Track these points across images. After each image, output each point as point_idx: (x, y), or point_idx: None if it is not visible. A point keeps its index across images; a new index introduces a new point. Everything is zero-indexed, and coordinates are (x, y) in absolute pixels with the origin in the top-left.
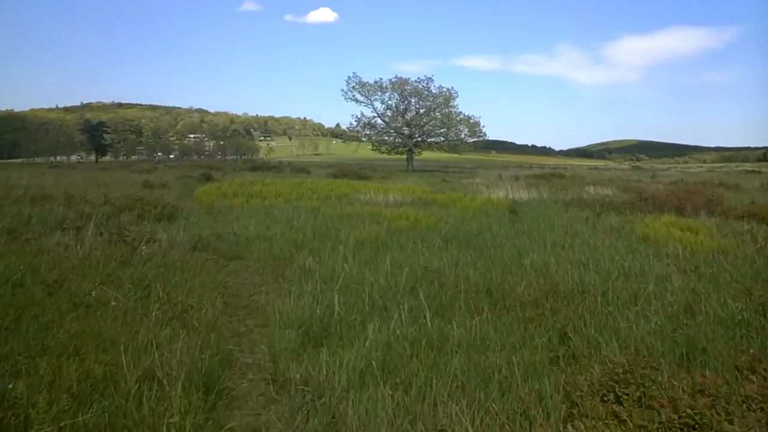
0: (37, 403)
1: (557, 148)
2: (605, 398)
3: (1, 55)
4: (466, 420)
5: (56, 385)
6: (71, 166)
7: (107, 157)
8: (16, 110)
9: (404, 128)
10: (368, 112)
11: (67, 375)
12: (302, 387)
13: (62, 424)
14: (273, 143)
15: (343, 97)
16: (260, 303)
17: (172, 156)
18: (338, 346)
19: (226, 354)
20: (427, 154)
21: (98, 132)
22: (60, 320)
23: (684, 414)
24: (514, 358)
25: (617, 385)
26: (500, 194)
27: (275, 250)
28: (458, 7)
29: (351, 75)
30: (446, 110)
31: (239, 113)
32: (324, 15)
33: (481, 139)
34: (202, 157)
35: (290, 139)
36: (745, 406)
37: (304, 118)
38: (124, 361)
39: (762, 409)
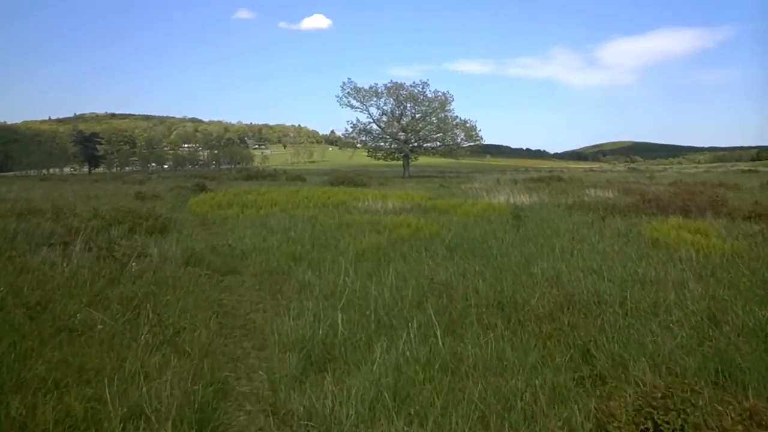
0: None
1: (552, 151)
2: (643, 427)
3: None
4: None
5: (29, 428)
6: (63, 179)
7: (100, 169)
8: (8, 123)
9: (400, 134)
10: (364, 118)
11: (43, 415)
12: (306, 422)
13: None
14: (268, 151)
15: (338, 103)
16: (257, 322)
17: (166, 166)
18: (344, 371)
19: (221, 382)
20: (422, 160)
21: (91, 143)
22: (40, 348)
23: None
24: (536, 380)
25: (655, 412)
26: (501, 199)
27: (272, 264)
28: (451, 12)
29: (346, 80)
30: (442, 115)
31: (233, 122)
32: (318, 22)
33: (477, 143)
34: (197, 166)
35: (285, 146)
36: None
37: (299, 125)
38: (108, 396)
39: None
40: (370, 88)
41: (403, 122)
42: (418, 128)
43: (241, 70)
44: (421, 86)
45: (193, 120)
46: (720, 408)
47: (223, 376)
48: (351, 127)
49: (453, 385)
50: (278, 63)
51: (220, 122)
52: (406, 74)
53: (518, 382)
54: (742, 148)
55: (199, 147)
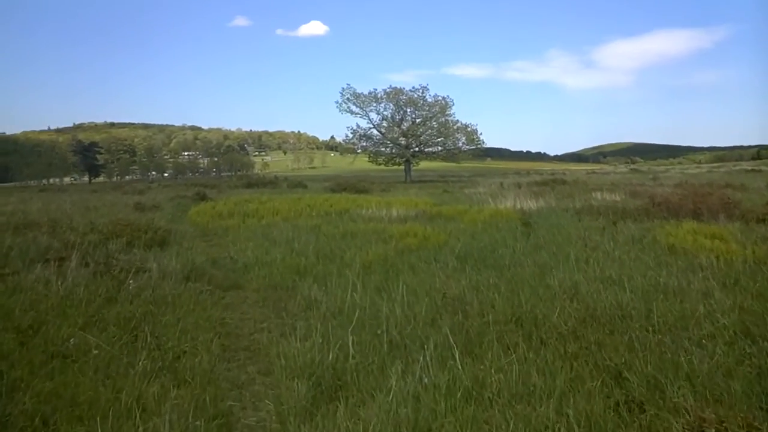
0: None
1: (552, 154)
2: None
3: None
4: None
5: None
6: (62, 189)
7: (100, 178)
8: (7, 133)
9: (401, 139)
10: (364, 124)
11: None
12: None
13: None
14: (268, 158)
15: (337, 109)
16: (262, 343)
17: (166, 174)
18: (357, 400)
19: (224, 415)
20: (422, 164)
21: (90, 153)
22: (30, 378)
23: None
24: (567, 408)
25: None
26: (508, 204)
27: (276, 278)
28: (448, 17)
29: (345, 86)
30: (443, 119)
31: (233, 129)
32: (315, 28)
33: (478, 147)
34: (197, 174)
35: (285, 153)
36: None
37: (298, 131)
38: None
39: None
40: (370, 93)
41: (404, 127)
42: (418, 133)
43: (240, 77)
44: (420, 91)
45: (193, 128)
46: None
47: (226, 407)
48: (351, 133)
49: (477, 416)
50: (276, 70)
51: (219, 129)
52: (405, 79)
53: (548, 411)
54: (741, 147)
55: (199, 155)
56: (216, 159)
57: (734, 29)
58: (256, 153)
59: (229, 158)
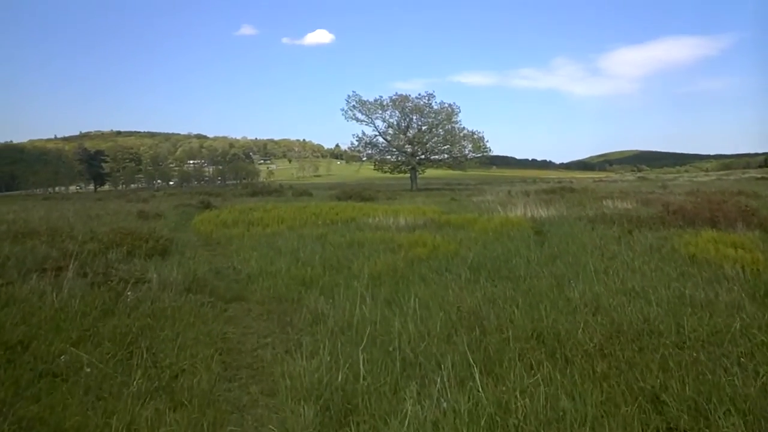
0: None
1: (558, 161)
2: None
3: (2, 88)
4: None
5: None
6: (66, 197)
7: (106, 186)
8: (14, 141)
9: (407, 146)
10: (369, 131)
11: None
12: None
13: None
14: (273, 166)
15: (343, 117)
16: (266, 360)
17: (171, 183)
18: (369, 427)
19: None
20: (428, 172)
21: (96, 161)
22: (14, 400)
23: None
24: None
25: None
26: (518, 212)
27: (280, 289)
28: (454, 25)
29: (351, 93)
30: (449, 126)
31: (238, 137)
32: (321, 37)
33: (485, 154)
34: (202, 182)
35: (290, 161)
36: None
37: (303, 139)
38: None
39: None
40: (375, 100)
41: (410, 134)
42: (424, 140)
43: (246, 86)
44: (426, 98)
45: (199, 136)
46: None
47: None
48: (357, 141)
49: None
50: (282, 78)
51: (225, 138)
52: (410, 87)
53: None
54: (748, 155)
55: (204, 163)
56: (221, 167)
57: (739, 37)
58: (262, 161)
59: (235, 166)
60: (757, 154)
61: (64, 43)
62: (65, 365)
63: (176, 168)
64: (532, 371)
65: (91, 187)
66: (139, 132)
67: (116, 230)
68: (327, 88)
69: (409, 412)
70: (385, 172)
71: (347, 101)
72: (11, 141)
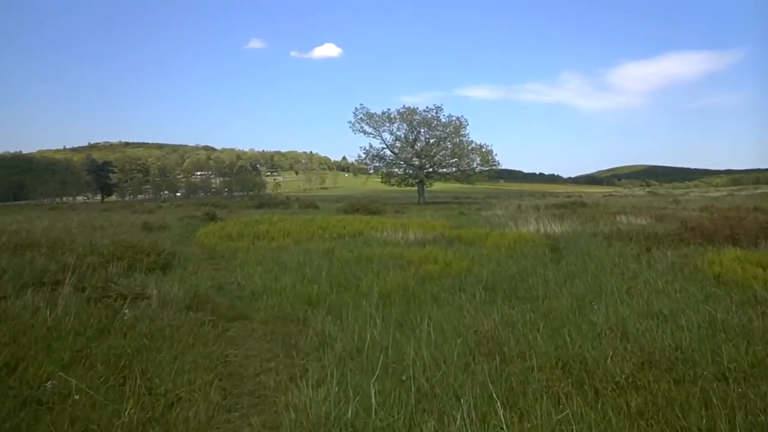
0: None
1: (565, 176)
2: None
3: (10, 98)
4: None
5: None
6: (72, 207)
7: (113, 197)
8: (24, 152)
9: (414, 159)
10: (377, 144)
11: None
12: None
13: None
14: (280, 178)
15: (350, 129)
16: (269, 388)
17: (178, 194)
18: None
19: None
20: (435, 185)
21: (104, 172)
22: None
23: None
24: None
25: None
26: (530, 228)
27: (285, 308)
28: (461, 39)
29: (358, 106)
30: (457, 140)
31: (246, 149)
32: (328, 50)
33: (493, 168)
34: (209, 194)
35: (297, 173)
36: None
37: (311, 152)
38: None
39: None
40: (383, 113)
41: (417, 147)
42: (432, 153)
43: (254, 99)
44: (434, 111)
45: (206, 148)
46: None
47: None
48: (364, 153)
49: None
50: (290, 91)
51: (232, 150)
52: (417, 101)
53: None
54: (758, 170)
55: (211, 174)
56: (228, 179)
57: (747, 52)
58: (269, 173)
59: (242, 178)
60: (767, 170)
61: (75, 55)
62: (52, 392)
63: (183, 179)
64: (560, 405)
65: (99, 197)
66: (147, 143)
67: (117, 243)
68: (334, 101)
69: None
70: (393, 185)
71: (355, 114)
72: (21, 151)
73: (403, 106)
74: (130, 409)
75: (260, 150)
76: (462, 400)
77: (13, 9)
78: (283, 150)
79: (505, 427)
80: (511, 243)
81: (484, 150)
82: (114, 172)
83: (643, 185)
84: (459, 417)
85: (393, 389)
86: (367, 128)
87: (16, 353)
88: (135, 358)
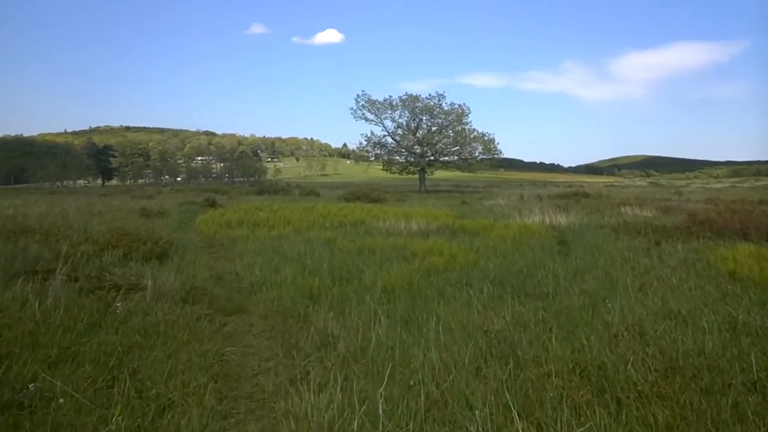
0: None
1: (566, 165)
2: None
3: (11, 81)
4: None
5: None
6: (72, 192)
7: (114, 181)
8: (25, 135)
9: (416, 147)
10: (378, 131)
11: None
12: None
13: None
14: (280, 164)
15: (352, 116)
16: (267, 391)
17: (179, 179)
18: None
19: None
20: (436, 173)
21: (104, 156)
22: None
23: None
24: None
25: None
26: (535, 219)
27: (286, 302)
28: (464, 26)
29: (360, 93)
30: (459, 128)
31: (247, 135)
32: (330, 36)
33: (495, 157)
34: (210, 179)
35: (297, 159)
36: None
37: (311, 138)
38: None
39: None
40: (385, 100)
41: (419, 135)
42: (434, 141)
43: (255, 84)
44: (437, 98)
45: (207, 133)
46: None
47: None
48: (365, 140)
49: None
50: (291, 77)
51: (233, 135)
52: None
53: None
54: (759, 162)
55: (212, 160)
56: (229, 164)
57: (751, 43)
58: (269, 159)
59: (242, 164)
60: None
61: (76, 38)
62: (35, 394)
63: (184, 164)
64: (580, 417)
65: (99, 181)
66: (148, 128)
67: (113, 230)
68: (335, 87)
69: None
70: (394, 172)
71: (356, 101)
72: (22, 134)
73: (406, 93)
74: (118, 416)
75: (261, 136)
76: (475, 410)
77: None
78: (284, 136)
79: None
80: (517, 235)
81: (486, 138)
82: (115, 156)
83: (643, 176)
84: (473, 428)
85: (401, 396)
86: (368, 115)
87: (1, 350)
88: (126, 356)
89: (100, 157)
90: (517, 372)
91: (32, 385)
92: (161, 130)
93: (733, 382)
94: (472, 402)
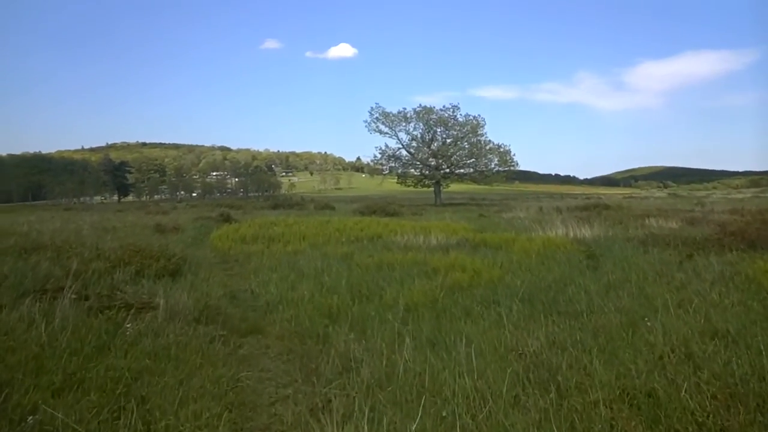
0: None
1: (581, 177)
2: None
3: (30, 99)
4: None
5: None
6: (87, 208)
7: (130, 197)
8: (43, 152)
9: (431, 159)
10: (393, 144)
11: None
12: None
13: None
14: (295, 179)
15: (366, 129)
16: (286, 422)
17: (194, 194)
18: None
19: None
20: (450, 186)
21: (120, 172)
22: None
23: None
24: None
25: None
26: (558, 232)
27: (303, 322)
28: (475, 38)
29: (374, 105)
30: (474, 139)
31: (261, 149)
32: (344, 50)
33: (512, 168)
34: (224, 194)
35: (312, 174)
36: None
37: (325, 152)
38: None
39: None
40: (399, 113)
41: (434, 147)
42: (449, 153)
43: (269, 99)
44: (451, 110)
45: (222, 148)
46: None
47: None
48: (380, 153)
49: None
50: (305, 91)
51: (248, 150)
52: (431, 101)
53: None
54: None
55: (227, 175)
56: (244, 179)
57: (764, 51)
58: (284, 173)
59: (257, 178)
60: None
61: (94, 55)
62: (34, 427)
63: (199, 179)
64: None
65: (116, 197)
66: (164, 143)
67: (125, 247)
68: (349, 101)
69: None
70: (408, 185)
71: (370, 113)
72: (40, 151)
73: (420, 105)
74: None
75: (275, 150)
76: None
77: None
78: (298, 150)
79: None
80: (541, 248)
81: (502, 150)
82: (131, 172)
83: (660, 187)
84: None
85: (432, 428)
86: (383, 128)
87: (2, 376)
88: (135, 383)
89: (117, 173)
90: (559, 401)
91: (31, 417)
92: (177, 146)
93: None
94: None
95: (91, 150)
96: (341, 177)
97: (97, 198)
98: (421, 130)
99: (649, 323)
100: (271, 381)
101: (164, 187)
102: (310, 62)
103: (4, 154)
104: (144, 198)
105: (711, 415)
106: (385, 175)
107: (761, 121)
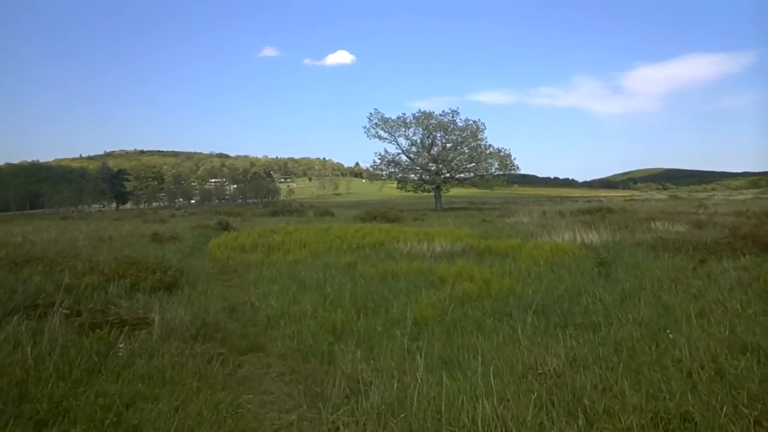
0: None
1: (580, 180)
2: None
3: (28, 108)
4: None
5: None
6: (84, 216)
7: (128, 205)
8: (41, 161)
9: (431, 164)
10: (392, 149)
11: None
12: None
13: None
14: (293, 185)
15: (365, 134)
16: None
17: (193, 201)
18: None
19: None
20: (450, 191)
21: (118, 180)
22: None
23: None
24: None
25: None
26: (564, 237)
27: (306, 339)
28: (472, 43)
29: (373, 111)
30: (474, 144)
31: (259, 156)
32: (341, 57)
33: (512, 172)
34: (223, 201)
35: (310, 179)
36: None
37: (324, 158)
38: None
39: None
40: (398, 118)
41: (434, 152)
42: (449, 158)
43: (267, 106)
44: (450, 115)
45: (220, 155)
46: None
47: None
48: (379, 159)
49: None
50: (303, 98)
51: (246, 157)
52: (429, 106)
53: None
54: None
55: (225, 182)
56: (242, 186)
57: (762, 53)
58: (282, 180)
59: (256, 185)
60: None
61: (91, 63)
62: None
63: (198, 187)
64: None
65: (114, 205)
66: (162, 151)
67: (120, 259)
68: (347, 107)
69: None
70: (408, 190)
71: (369, 119)
72: (38, 160)
73: (419, 110)
74: None
75: (274, 157)
76: None
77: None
78: (297, 156)
79: None
80: (549, 255)
81: (502, 154)
82: (129, 180)
83: (659, 188)
84: None
85: None
86: (382, 133)
87: None
88: (126, 410)
89: (115, 181)
90: (588, 429)
91: None
92: (175, 153)
93: None
94: None
95: (89, 158)
96: (340, 182)
97: (95, 206)
98: (420, 135)
99: (671, 335)
100: (274, 405)
101: (162, 194)
102: (309, 69)
103: (2, 163)
104: (142, 206)
105: None
106: (384, 180)
107: (759, 122)
